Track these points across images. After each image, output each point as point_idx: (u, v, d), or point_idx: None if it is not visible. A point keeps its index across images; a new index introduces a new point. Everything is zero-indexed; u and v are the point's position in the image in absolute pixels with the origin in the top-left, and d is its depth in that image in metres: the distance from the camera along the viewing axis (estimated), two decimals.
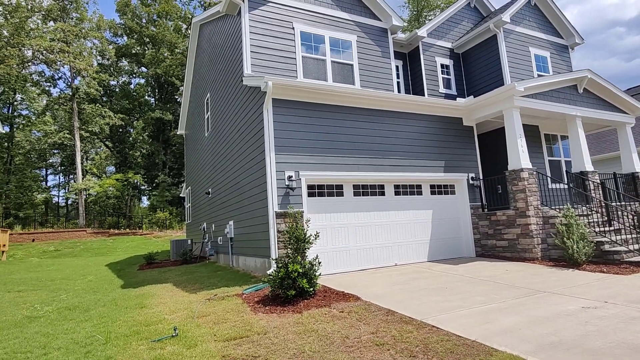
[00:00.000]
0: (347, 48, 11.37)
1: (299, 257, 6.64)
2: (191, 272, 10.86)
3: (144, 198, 44.68)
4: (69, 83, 35.03)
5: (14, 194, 31.91)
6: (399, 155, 9.47)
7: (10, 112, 37.50)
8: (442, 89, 13.52)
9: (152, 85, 42.35)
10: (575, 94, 10.77)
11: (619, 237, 8.65)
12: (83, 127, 34.32)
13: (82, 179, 33.91)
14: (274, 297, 6.19)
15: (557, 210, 9.18)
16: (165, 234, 28.91)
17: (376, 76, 11.63)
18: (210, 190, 14.21)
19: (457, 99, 10.92)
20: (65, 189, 46.06)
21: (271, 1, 10.49)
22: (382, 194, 9.44)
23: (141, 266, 13.65)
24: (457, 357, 3.68)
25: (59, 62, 32.08)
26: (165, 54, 39.03)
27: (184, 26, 41.56)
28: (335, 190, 8.84)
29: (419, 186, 9.99)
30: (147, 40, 40.01)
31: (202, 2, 42.95)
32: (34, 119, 36.30)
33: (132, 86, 42.28)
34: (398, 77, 13.43)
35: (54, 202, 44.42)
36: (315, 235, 6.98)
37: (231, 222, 11.08)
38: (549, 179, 10.99)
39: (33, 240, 25.20)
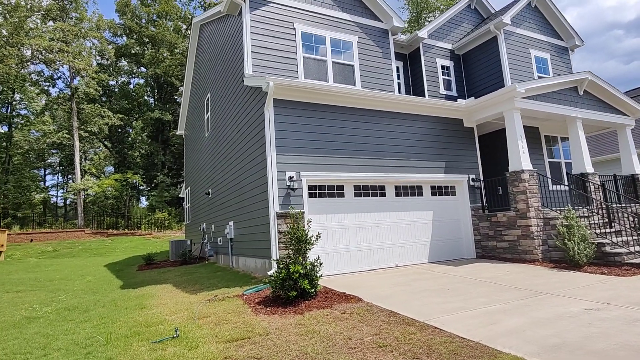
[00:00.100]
0: (348, 49, 11.37)
1: (300, 258, 6.62)
2: (191, 272, 10.82)
3: (143, 198, 44.63)
4: (68, 83, 34.97)
5: (12, 193, 31.80)
6: (400, 156, 9.46)
7: (8, 111, 37.40)
8: (442, 90, 13.53)
9: (152, 86, 42.29)
10: (575, 96, 10.78)
11: (619, 239, 8.65)
12: (82, 127, 34.24)
13: (81, 179, 33.82)
14: (275, 298, 6.16)
15: (558, 211, 9.18)
16: (164, 235, 28.84)
17: (377, 77, 11.63)
18: (210, 190, 14.17)
19: (458, 100, 10.93)
20: (63, 189, 45.94)
21: (272, 1, 10.48)
22: (383, 194, 9.42)
23: (140, 267, 13.60)
24: (461, 359, 3.66)
25: (58, 62, 32.01)
26: (165, 54, 38.99)
27: (184, 26, 41.54)
28: (336, 190, 8.82)
29: (420, 187, 9.98)
30: (147, 40, 39.98)
31: (202, 3, 42.98)
32: (32, 118, 36.20)
33: (131, 86, 42.19)
34: (398, 78, 13.43)
35: (52, 202, 44.36)
36: (317, 236, 6.95)
37: (231, 223, 11.05)
38: (549, 181, 11.00)
39: (31, 240, 25.10)
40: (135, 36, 39.98)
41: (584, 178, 10.23)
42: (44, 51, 31.17)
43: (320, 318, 5.15)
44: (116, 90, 40.58)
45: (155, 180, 37.77)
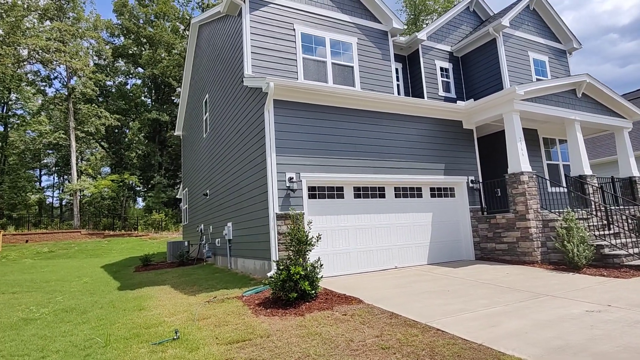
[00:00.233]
0: (348, 50, 11.36)
1: (300, 259, 6.59)
2: (189, 274, 10.75)
3: (140, 199, 44.43)
4: (64, 83, 34.78)
5: (7, 194, 31.56)
6: (399, 157, 9.45)
7: (4, 111, 37.18)
8: (441, 92, 13.55)
9: (149, 86, 42.15)
10: (574, 98, 10.82)
11: (618, 241, 8.67)
12: (79, 127, 34.04)
13: (77, 179, 33.62)
14: (275, 299, 6.12)
15: (557, 213, 9.20)
16: (160, 236, 28.70)
17: (376, 78, 11.63)
18: (207, 191, 14.11)
19: (457, 102, 10.94)
20: (59, 190, 45.62)
21: (272, 2, 10.46)
22: (383, 196, 9.41)
23: (137, 268, 13.52)
24: None
25: (55, 62, 31.84)
26: (163, 55, 38.89)
27: (182, 27, 41.46)
28: (336, 192, 8.79)
29: (419, 189, 9.98)
30: (144, 40, 39.86)
31: (200, 4, 42.94)
32: (28, 118, 36.00)
33: (128, 87, 42.07)
34: (397, 80, 13.44)
35: (47, 203, 44.04)
36: (317, 237, 6.92)
37: (229, 224, 11.00)
38: (547, 183, 11.03)
39: (27, 241, 24.90)
40: (132, 36, 39.85)
41: (583, 180, 10.26)
42: (40, 51, 30.99)
43: (321, 320, 5.11)
44: (113, 90, 40.44)
45: (152, 181, 37.62)
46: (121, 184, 34.24)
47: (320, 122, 8.60)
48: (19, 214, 32.75)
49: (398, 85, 13.36)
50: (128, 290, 8.48)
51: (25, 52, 32.09)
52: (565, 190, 11.12)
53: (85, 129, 34.50)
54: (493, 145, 11.68)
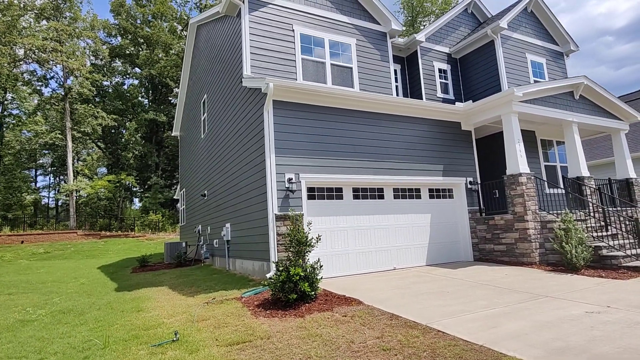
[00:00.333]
0: (347, 51, 11.37)
1: (300, 260, 6.56)
2: (186, 275, 10.70)
3: (136, 200, 44.21)
4: (61, 83, 34.59)
5: (2, 194, 31.31)
6: (398, 158, 9.45)
7: (0, 111, 36.89)
8: (439, 94, 13.58)
9: (146, 87, 42.00)
10: (571, 100, 10.88)
11: (615, 242, 8.71)
12: (75, 127, 33.86)
13: (73, 180, 33.43)
14: (274, 300, 6.09)
15: (555, 215, 9.23)
16: (157, 237, 28.58)
17: (375, 79, 11.64)
18: (205, 192, 14.06)
19: (455, 103, 10.96)
20: (55, 190, 45.34)
21: (271, 3, 10.45)
22: (382, 197, 9.40)
23: (134, 269, 13.44)
24: None
25: (51, 62, 31.65)
26: (160, 55, 38.77)
27: (179, 27, 41.34)
28: (335, 193, 8.78)
29: (418, 190, 9.98)
30: (142, 41, 39.72)
31: (197, 4, 42.83)
32: (24, 118, 35.74)
33: (125, 87, 41.90)
34: (396, 81, 13.46)
35: (43, 203, 43.74)
36: (317, 238, 6.90)
37: (228, 225, 10.96)
38: (546, 184, 11.07)
39: (22, 242, 24.72)
40: (130, 37, 39.69)
41: (580, 182, 10.31)
42: (37, 50, 30.80)
43: (321, 321, 5.10)
44: (110, 90, 40.25)
45: (148, 182, 37.45)
46: (118, 184, 34.06)
47: (320, 122, 8.59)
48: (14, 215, 32.50)
49: (397, 86, 13.38)
50: (126, 292, 8.43)
51: (21, 52, 31.88)
52: (563, 191, 11.16)
53: (82, 129, 34.32)
54: (491, 146, 11.71)
